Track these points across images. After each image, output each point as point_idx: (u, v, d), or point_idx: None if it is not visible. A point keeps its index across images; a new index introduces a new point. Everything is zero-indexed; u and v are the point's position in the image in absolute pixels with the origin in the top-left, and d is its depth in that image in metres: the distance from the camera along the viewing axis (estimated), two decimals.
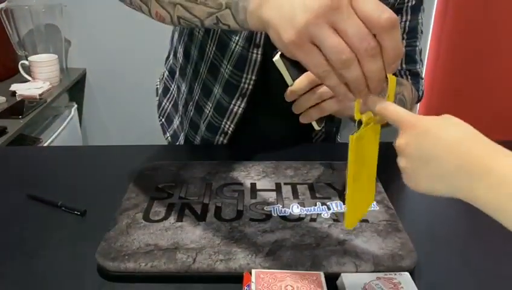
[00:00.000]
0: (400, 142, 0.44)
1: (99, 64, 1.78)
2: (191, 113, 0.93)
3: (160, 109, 1.05)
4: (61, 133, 1.59)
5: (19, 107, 1.39)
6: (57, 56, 1.64)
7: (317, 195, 0.69)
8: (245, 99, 0.85)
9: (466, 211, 0.71)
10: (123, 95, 1.82)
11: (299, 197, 0.69)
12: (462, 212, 0.72)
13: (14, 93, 1.50)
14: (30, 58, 1.62)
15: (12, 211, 0.69)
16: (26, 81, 1.60)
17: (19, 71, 1.63)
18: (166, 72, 1.03)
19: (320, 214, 0.64)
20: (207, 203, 0.67)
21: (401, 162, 0.44)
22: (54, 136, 1.53)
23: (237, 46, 0.81)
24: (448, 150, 0.40)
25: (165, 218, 0.64)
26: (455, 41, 1.68)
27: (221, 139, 0.90)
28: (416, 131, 0.43)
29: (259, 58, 0.81)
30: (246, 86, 0.83)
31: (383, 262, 0.55)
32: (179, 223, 0.62)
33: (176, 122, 1.00)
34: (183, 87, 0.95)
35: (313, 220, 0.63)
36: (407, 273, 0.53)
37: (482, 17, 1.62)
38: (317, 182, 0.73)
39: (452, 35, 1.68)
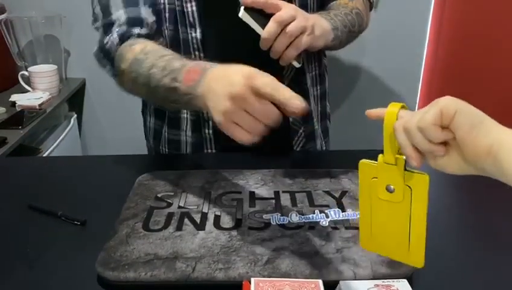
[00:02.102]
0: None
1: (98, 74, 1.75)
2: (166, 128, 0.95)
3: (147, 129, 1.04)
4: (61, 143, 1.59)
5: (18, 118, 1.40)
6: (56, 66, 1.65)
7: (316, 203, 0.70)
8: None
9: (464, 218, 0.72)
10: (122, 105, 1.82)
11: (298, 205, 0.69)
12: (460, 219, 0.72)
13: (14, 103, 1.51)
14: (30, 68, 1.63)
15: (12, 221, 0.70)
16: (26, 91, 1.60)
17: (18, 82, 1.63)
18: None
19: (319, 222, 0.65)
20: (206, 212, 0.67)
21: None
22: (53, 146, 1.53)
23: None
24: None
25: (165, 227, 0.64)
26: (453, 41, 1.68)
27: (207, 131, 0.90)
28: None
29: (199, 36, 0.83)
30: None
31: (381, 269, 0.55)
32: (178, 233, 0.63)
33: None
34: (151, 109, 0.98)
35: (311, 228, 0.64)
36: (405, 280, 0.53)
37: (480, 16, 1.63)
38: (316, 190, 0.73)
39: (449, 36, 1.68)
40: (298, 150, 0.95)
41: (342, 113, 1.82)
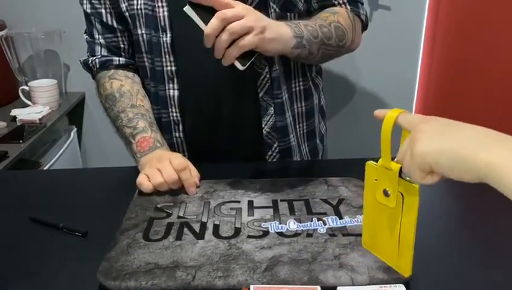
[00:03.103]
0: (420, 127, 0.46)
1: None
2: None
3: None
4: (61, 157, 1.60)
5: (19, 132, 1.41)
6: (56, 81, 1.67)
7: (313, 211, 0.71)
8: (175, 81, 0.89)
9: (460, 223, 0.73)
10: None
11: (296, 213, 0.70)
12: (456, 224, 0.73)
13: (14, 118, 1.52)
14: (30, 83, 1.65)
15: (14, 233, 0.71)
16: (27, 106, 1.62)
17: (19, 96, 1.65)
18: None
19: (317, 229, 0.66)
20: (205, 222, 0.68)
21: (422, 127, 0.46)
22: (54, 160, 1.55)
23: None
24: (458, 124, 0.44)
25: (165, 237, 0.65)
26: (449, 41, 1.69)
27: (178, 134, 0.93)
28: (427, 119, 0.47)
29: (169, 40, 0.86)
30: (169, 68, 0.88)
31: (378, 275, 0.56)
32: (178, 242, 0.64)
33: None
34: None
35: (309, 235, 0.65)
36: (402, 285, 0.54)
37: (474, 22, 1.65)
38: (313, 198, 0.74)
39: (446, 36, 1.69)
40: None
41: (336, 122, 1.83)
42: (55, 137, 1.67)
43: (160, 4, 0.84)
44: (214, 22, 0.68)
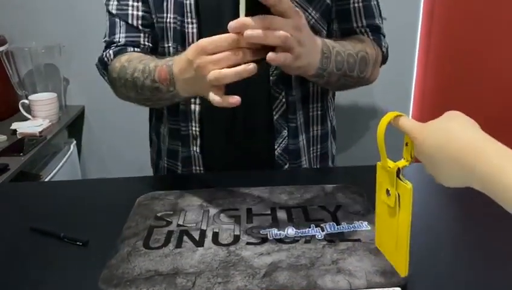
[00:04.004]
0: (415, 153, 0.50)
1: (97, 101, 1.82)
2: (166, 139, 0.97)
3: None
4: (61, 169, 1.61)
5: (19, 145, 1.43)
6: (56, 94, 1.69)
7: (311, 217, 0.72)
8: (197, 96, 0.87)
9: (456, 227, 0.74)
10: (120, 131, 1.86)
11: (294, 220, 0.71)
12: (452, 229, 0.74)
13: (14, 131, 1.53)
14: (30, 97, 1.66)
15: (15, 243, 0.71)
16: (27, 119, 1.63)
17: (19, 110, 1.67)
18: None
19: (315, 235, 0.67)
20: (205, 230, 0.69)
21: (425, 169, 0.50)
22: (53, 172, 1.56)
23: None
24: (442, 154, 0.46)
25: (165, 245, 0.66)
26: (445, 41, 1.71)
27: (195, 149, 0.92)
28: (418, 142, 0.49)
29: None
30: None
31: (375, 279, 0.57)
32: (178, 250, 0.64)
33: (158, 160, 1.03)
34: (154, 119, 1.01)
35: (307, 241, 0.65)
36: (398, 289, 0.55)
37: (467, 27, 1.67)
38: (311, 205, 0.75)
39: (441, 35, 1.71)
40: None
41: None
42: (55, 150, 1.68)
43: (189, 20, 0.84)
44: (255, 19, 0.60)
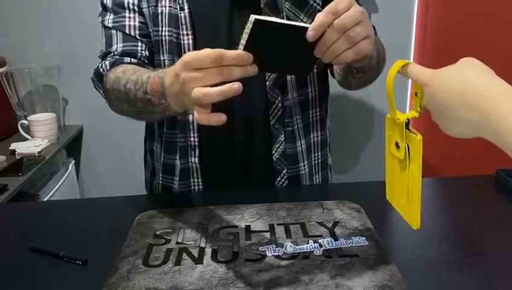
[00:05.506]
0: (425, 100, 0.49)
1: (95, 121, 1.84)
2: (161, 154, 0.97)
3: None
4: (60, 189, 1.61)
5: (18, 165, 1.43)
6: (55, 114, 1.70)
7: (309, 233, 0.72)
8: None
9: (453, 241, 0.74)
10: (118, 150, 1.87)
11: (292, 236, 0.72)
12: (449, 243, 0.74)
13: (13, 151, 1.54)
14: (29, 117, 1.67)
15: (15, 263, 0.71)
16: (26, 139, 1.64)
17: (18, 131, 1.68)
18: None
19: (313, 251, 0.67)
20: (203, 247, 0.70)
21: (432, 117, 0.49)
22: (52, 192, 1.56)
23: None
24: (458, 100, 0.45)
25: (164, 262, 0.66)
26: (441, 36, 1.70)
27: (193, 160, 0.93)
28: (429, 88, 0.48)
29: None
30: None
31: None
32: (177, 267, 0.65)
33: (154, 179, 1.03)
34: (148, 138, 1.02)
35: (305, 257, 0.66)
36: None
37: (465, 10, 1.68)
38: (309, 221, 0.76)
39: (436, 30, 1.70)
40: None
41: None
42: (53, 169, 1.68)
43: (185, 32, 0.86)
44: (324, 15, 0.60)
